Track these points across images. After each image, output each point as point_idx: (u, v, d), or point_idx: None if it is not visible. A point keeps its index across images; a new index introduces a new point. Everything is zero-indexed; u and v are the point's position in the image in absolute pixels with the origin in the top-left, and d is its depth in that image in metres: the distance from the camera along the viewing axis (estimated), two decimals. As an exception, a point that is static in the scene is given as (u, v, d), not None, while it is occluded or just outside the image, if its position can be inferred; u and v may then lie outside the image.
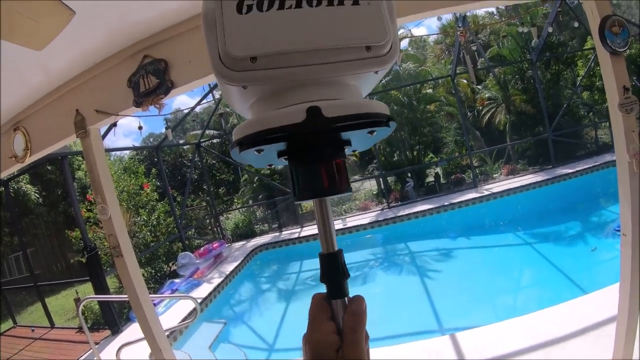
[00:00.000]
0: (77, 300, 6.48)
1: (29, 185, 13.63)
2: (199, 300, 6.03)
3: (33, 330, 7.74)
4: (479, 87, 15.39)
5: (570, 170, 10.61)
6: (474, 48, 9.48)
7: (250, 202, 15.05)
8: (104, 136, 3.71)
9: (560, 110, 12.50)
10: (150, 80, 2.70)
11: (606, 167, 10.25)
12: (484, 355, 3.57)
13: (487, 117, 14.84)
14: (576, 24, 9.33)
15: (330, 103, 0.46)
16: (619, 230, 7.18)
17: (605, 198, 9.51)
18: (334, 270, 0.52)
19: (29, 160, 3.45)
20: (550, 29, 10.23)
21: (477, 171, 12.85)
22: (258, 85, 0.48)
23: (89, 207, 9.02)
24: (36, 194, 13.81)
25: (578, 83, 13.75)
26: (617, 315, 2.60)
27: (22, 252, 9.62)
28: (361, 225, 10.68)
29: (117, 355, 5.03)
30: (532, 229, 8.88)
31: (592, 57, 12.47)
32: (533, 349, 3.48)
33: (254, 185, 14.73)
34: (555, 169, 11.24)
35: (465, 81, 15.46)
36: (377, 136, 0.51)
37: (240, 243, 11.91)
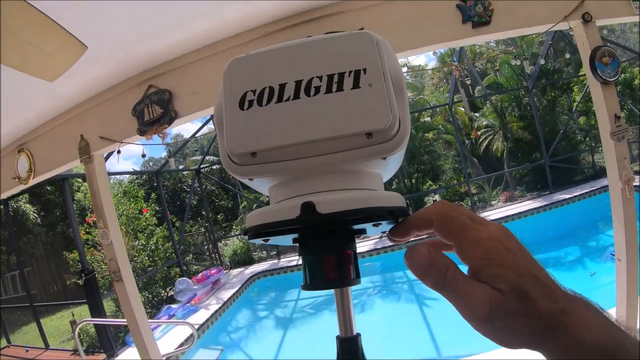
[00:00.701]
0: (73, 322, 6.43)
1: (28, 205, 13.61)
2: (196, 327, 6.00)
3: (27, 351, 7.65)
4: (477, 114, 15.55)
5: (568, 196, 10.63)
6: (468, 82, 9.64)
7: (249, 227, 14.91)
8: (105, 159, 3.78)
9: (557, 136, 12.63)
10: (154, 109, 2.78)
11: (604, 191, 10.22)
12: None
13: (484, 145, 14.95)
14: (568, 55, 9.51)
15: (326, 198, 0.45)
16: (614, 255, 7.15)
17: (604, 222, 9.49)
18: (351, 356, 0.50)
19: (32, 182, 3.51)
20: (542, 61, 10.44)
21: (476, 198, 12.87)
22: (261, 177, 0.49)
23: (87, 230, 9.01)
24: (35, 214, 13.77)
25: (574, 109, 13.87)
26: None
27: (19, 272, 9.58)
28: (359, 253, 10.50)
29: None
30: (532, 255, 8.85)
31: (588, 82, 12.61)
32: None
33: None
34: (553, 194, 11.27)
35: (462, 109, 15.64)
36: (386, 226, 0.49)
37: (239, 270, 11.82)
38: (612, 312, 3.21)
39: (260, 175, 0.48)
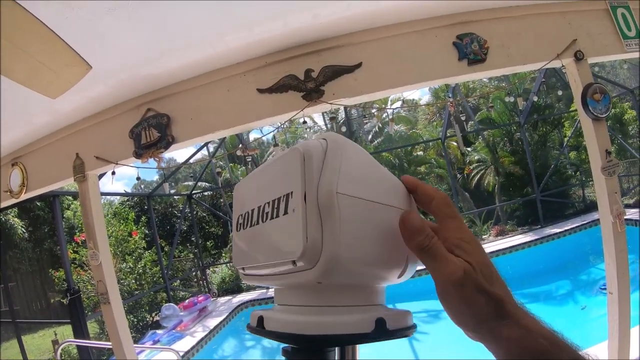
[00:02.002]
0: (56, 342, 6.23)
1: (16, 219, 13.39)
2: (181, 354, 5.85)
3: None
4: (469, 149, 15.74)
5: (559, 230, 10.69)
6: (463, 118, 9.82)
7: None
8: (100, 176, 3.76)
9: (548, 170, 12.77)
10: (152, 133, 2.80)
11: (594, 225, 10.27)
12: None
13: (476, 179, 15.09)
14: (560, 92, 9.75)
15: (274, 317, 0.47)
16: (604, 289, 7.16)
17: (594, 255, 9.52)
18: None
19: (24, 196, 3.47)
20: (535, 98, 10.67)
21: (466, 233, 12.86)
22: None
23: (75, 249, 8.88)
24: (23, 229, 13.54)
25: (565, 143, 14.07)
26: (607, 373, 2.58)
27: (3, 286, 9.30)
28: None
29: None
30: (523, 289, 8.82)
31: (579, 118, 12.86)
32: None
33: (242, 240, 14.56)
34: (544, 228, 11.31)
35: (455, 144, 15.84)
36: None
37: (226, 298, 11.61)
38: (604, 346, 3.19)
39: (252, 284, 0.58)
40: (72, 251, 8.69)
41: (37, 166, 3.40)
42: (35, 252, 14.41)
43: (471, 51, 2.81)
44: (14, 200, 3.67)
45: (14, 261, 13.90)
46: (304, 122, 3.18)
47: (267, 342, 9.11)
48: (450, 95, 12.31)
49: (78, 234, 9.59)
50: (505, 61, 2.85)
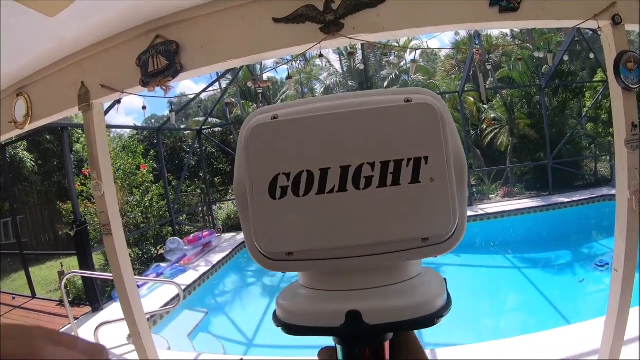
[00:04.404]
0: (62, 273, 6.41)
1: (26, 153, 13.46)
2: (183, 287, 6.02)
3: (14, 298, 7.65)
4: (485, 106, 15.43)
5: (567, 200, 10.62)
6: (488, 67, 9.41)
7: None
8: (106, 112, 3.68)
9: (563, 138, 12.54)
10: (159, 61, 2.68)
11: (602, 200, 10.27)
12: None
13: (489, 138, 14.87)
14: (591, 55, 9.32)
15: (373, 306, 0.40)
16: (600, 265, 7.21)
17: (598, 231, 9.53)
18: None
19: (28, 127, 3.42)
20: (566, 57, 10.23)
21: (474, 190, 12.86)
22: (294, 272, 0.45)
23: (83, 181, 8.96)
24: (32, 162, 13.66)
25: (584, 114, 13.78)
26: (600, 350, 2.59)
27: (12, 219, 9.52)
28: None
29: (95, 333, 5.01)
30: (523, 254, 8.89)
31: (601, 90, 12.49)
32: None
33: (251, 177, 14.65)
34: (551, 196, 11.24)
35: (472, 99, 15.51)
36: None
37: (231, 234, 11.86)
38: (598, 322, 3.20)
39: (294, 271, 0.44)
40: (79, 184, 8.77)
41: (42, 96, 3.32)
42: (44, 185, 14.57)
43: (505, -2, 2.62)
44: (17, 132, 3.62)
45: (23, 194, 14.09)
46: (320, 55, 3.01)
47: (267, 280, 9.40)
48: (477, 43, 11.83)
49: (86, 166, 9.64)
50: (539, 14, 2.64)
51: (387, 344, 0.43)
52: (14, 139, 10.09)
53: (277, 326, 0.44)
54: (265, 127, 0.40)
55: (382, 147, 0.38)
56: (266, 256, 0.42)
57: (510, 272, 8.21)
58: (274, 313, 0.45)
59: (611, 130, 12.77)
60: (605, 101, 12.95)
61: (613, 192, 9.73)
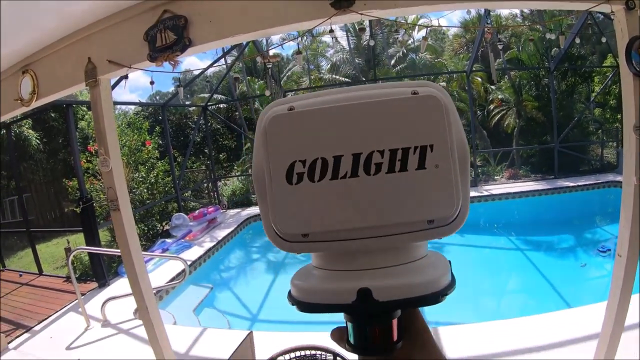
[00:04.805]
0: (68, 250, 6.48)
1: (31, 131, 13.48)
2: (189, 263, 6.09)
3: (21, 276, 7.75)
4: (493, 87, 15.29)
5: (572, 184, 10.58)
6: (500, 46, 9.25)
7: (250, 171, 15.01)
8: (112, 87, 3.66)
9: (571, 122, 12.41)
10: (167, 35, 2.65)
11: (607, 186, 10.22)
12: (462, 353, 3.62)
13: (496, 119, 14.75)
14: (603, 39, 9.11)
15: (382, 284, 0.43)
16: (602, 251, 7.20)
17: (602, 217, 9.54)
18: None
19: (35, 104, 3.41)
20: (577, 40, 10.03)
21: (479, 170, 12.84)
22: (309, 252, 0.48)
23: (88, 158, 9.00)
24: (37, 140, 13.69)
25: (592, 99, 13.60)
26: (600, 334, 2.62)
27: (18, 197, 9.59)
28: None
29: (102, 308, 5.11)
30: (526, 236, 8.92)
31: (610, 76, 12.31)
32: (511, 354, 3.53)
33: (256, 153, 14.64)
34: (557, 179, 11.20)
35: (479, 79, 15.35)
36: None
37: (235, 210, 11.93)
38: (599, 307, 3.22)
39: (309, 252, 0.47)
40: (85, 161, 8.80)
41: (48, 73, 3.29)
42: (50, 162, 14.62)
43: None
44: (23, 109, 3.60)
45: (29, 172, 14.17)
46: (331, 30, 2.97)
47: (272, 257, 9.51)
48: (489, 22, 11.63)
49: (92, 143, 9.66)
50: (552, -7, 2.59)
51: (395, 322, 0.46)
52: (18, 117, 10.11)
53: (292, 304, 0.47)
54: (283, 118, 0.43)
55: (391, 136, 0.41)
56: (283, 238, 0.45)
57: (512, 254, 8.26)
58: (289, 292, 0.48)
59: (619, 116, 12.64)
60: (615, 87, 12.81)
61: (618, 178, 9.78)
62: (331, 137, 0.42)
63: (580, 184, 10.56)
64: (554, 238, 8.75)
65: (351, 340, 0.47)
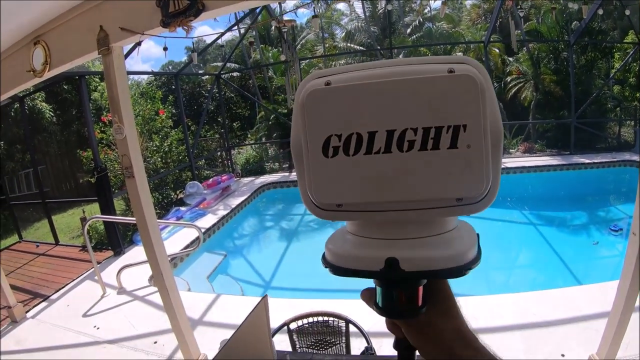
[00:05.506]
0: (84, 219, 6.59)
1: (44, 104, 13.54)
2: (203, 230, 6.18)
3: (38, 246, 7.88)
4: (510, 59, 14.90)
5: (588, 161, 10.42)
6: (521, 14, 8.93)
7: (264, 139, 15.06)
8: (125, 57, 3.62)
9: (589, 98, 12.07)
10: (180, 1, 2.59)
11: (623, 165, 10.07)
12: (473, 325, 3.64)
13: (513, 91, 14.43)
14: (627, 12, 8.74)
15: (409, 255, 0.46)
16: (615, 230, 7.13)
17: (616, 196, 9.44)
18: None
19: (48, 75, 3.38)
20: (600, 11, 9.66)
21: (495, 143, 12.66)
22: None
23: (102, 129, 9.06)
24: (51, 113, 13.75)
25: (611, 75, 13.18)
26: (610, 313, 2.60)
27: (33, 169, 9.70)
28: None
29: (117, 276, 5.23)
30: (539, 211, 8.87)
31: (631, 52, 11.90)
32: (520, 327, 3.56)
33: (270, 122, 14.64)
34: (572, 156, 11.04)
35: (497, 50, 14.97)
36: None
37: (249, 179, 12.02)
38: (610, 285, 3.20)
39: (342, 220, 0.49)
40: (99, 131, 8.85)
41: (60, 43, 3.24)
42: (64, 134, 14.71)
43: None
44: (36, 81, 3.58)
45: (43, 145, 14.26)
46: None
47: (285, 224, 9.61)
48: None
49: (105, 114, 9.68)
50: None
51: (420, 289, 0.49)
52: (31, 90, 10.13)
53: (325, 267, 0.51)
54: (320, 93, 0.45)
55: (425, 115, 0.42)
56: (318, 206, 0.48)
57: (525, 228, 8.24)
58: (323, 255, 0.52)
59: (638, 94, 12.28)
60: (635, 64, 12.45)
61: (635, 157, 9.60)
62: (366, 113, 0.43)
63: (596, 161, 10.40)
64: (567, 214, 8.68)
65: (379, 302, 0.51)
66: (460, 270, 0.45)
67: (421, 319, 0.50)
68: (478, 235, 0.51)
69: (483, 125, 0.42)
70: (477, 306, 3.96)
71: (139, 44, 3.15)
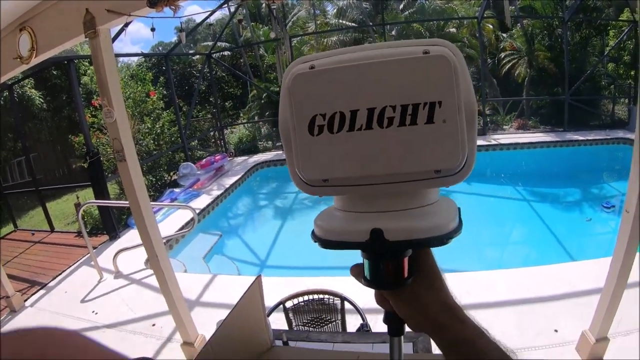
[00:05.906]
0: (78, 205, 6.56)
1: (33, 90, 13.30)
2: (197, 211, 6.18)
3: (33, 234, 7.85)
4: (504, 35, 14.76)
5: (581, 138, 10.47)
6: None
7: (256, 117, 15.00)
8: (113, 40, 3.54)
9: (583, 75, 11.99)
10: (167, -20, 2.53)
11: (616, 142, 10.13)
12: (464, 301, 3.69)
13: (507, 67, 14.35)
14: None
15: (392, 225, 0.49)
16: (607, 207, 7.19)
17: (609, 173, 9.52)
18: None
19: (35, 61, 3.31)
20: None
21: (488, 119, 12.68)
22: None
23: (93, 113, 8.95)
24: (40, 99, 13.53)
25: (606, 53, 13.12)
26: (603, 289, 2.64)
27: (25, 157, 9.58)
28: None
29: (114, 260, 5.24)
30: (532, 187, 8.93)
31: (626, 30, 11.84)
32: (512, 303, 3.62)
33: (262, 101, 14.54)
34: (566, 132, 11.08)
35: (491, 26, 14.83)
36: None
37: (242, 158, 12.02)
38: (602, 262, 3.24)
39: (329, 195, 0.53)
40: (90, 115, 8.74)
41: (46, 28, 3.16)
42: (55, 120, 14.46)
43: None
44: (23, 68, 3.51)
45: (34, 132, 14.01)
46: None
47: (279, 203, 9.63)
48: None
49: (95, 98, 9.55)
50: None
51: (405, 261, 0.52)
52: (20, 77, 9.94)
53: (315, 241, 0.54)
54: (304, 76, 0.48)
55: (403, 93, 0.45)
56: (306, 182, 0.51)
57: (518, 204, 8.31)
58: (312, 231, 0.55)
59: (632, 72, 12.25)
60: (629, 42, 12.40)
61: (629, 135, 9.66)
62: (348, 93, 0.46)
63: (589, 138, 10.46)
64: (560, 191, 8.75)
65: (367, 275, 0.54)
66: (442, 240, 0.48)
67: (407, 291, 0.53)
68: (459, 208, 0.54)
69: (457, 102, 0.44)
70: (470, 282, 4.01)
71: (126, 25, 3.07)
